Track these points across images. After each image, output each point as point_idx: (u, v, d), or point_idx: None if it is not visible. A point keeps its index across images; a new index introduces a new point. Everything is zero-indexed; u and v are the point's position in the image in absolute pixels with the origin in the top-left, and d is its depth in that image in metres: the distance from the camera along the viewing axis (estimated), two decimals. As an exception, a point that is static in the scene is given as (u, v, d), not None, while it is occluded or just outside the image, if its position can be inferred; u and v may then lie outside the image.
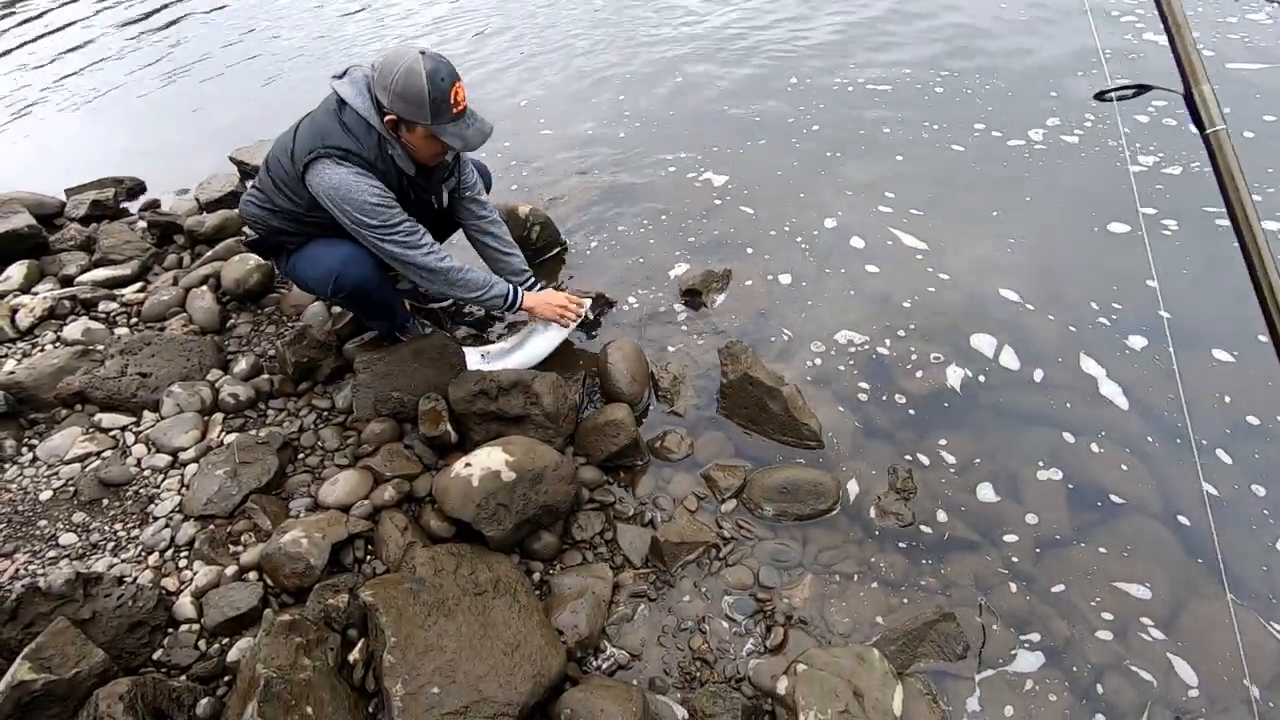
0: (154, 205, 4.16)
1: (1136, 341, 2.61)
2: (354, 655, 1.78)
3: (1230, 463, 2.23)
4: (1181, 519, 2.11)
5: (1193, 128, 1.29)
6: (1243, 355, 2.50)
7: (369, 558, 2.06)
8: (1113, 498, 2.18)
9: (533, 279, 2.75)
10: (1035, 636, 1.90)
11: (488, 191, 2.76)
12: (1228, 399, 2.37)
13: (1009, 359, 2.61)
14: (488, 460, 2.07)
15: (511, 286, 2.53)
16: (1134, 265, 2.88)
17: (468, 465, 2.07)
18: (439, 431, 2.31)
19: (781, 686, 1.73)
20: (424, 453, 2.35)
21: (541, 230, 3.25)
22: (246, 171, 4.30)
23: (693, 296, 2.99)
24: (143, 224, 3.88)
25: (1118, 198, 3.21)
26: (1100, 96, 1.49)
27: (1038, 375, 2.55)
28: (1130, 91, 1.44)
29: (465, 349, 2.63)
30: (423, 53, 2.09)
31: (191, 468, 2.32)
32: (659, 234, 3.41)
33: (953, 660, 1.86)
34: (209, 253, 3.47)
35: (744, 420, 2.48)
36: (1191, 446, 2.22)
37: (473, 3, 6.39)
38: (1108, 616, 1.93)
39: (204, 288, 3.15)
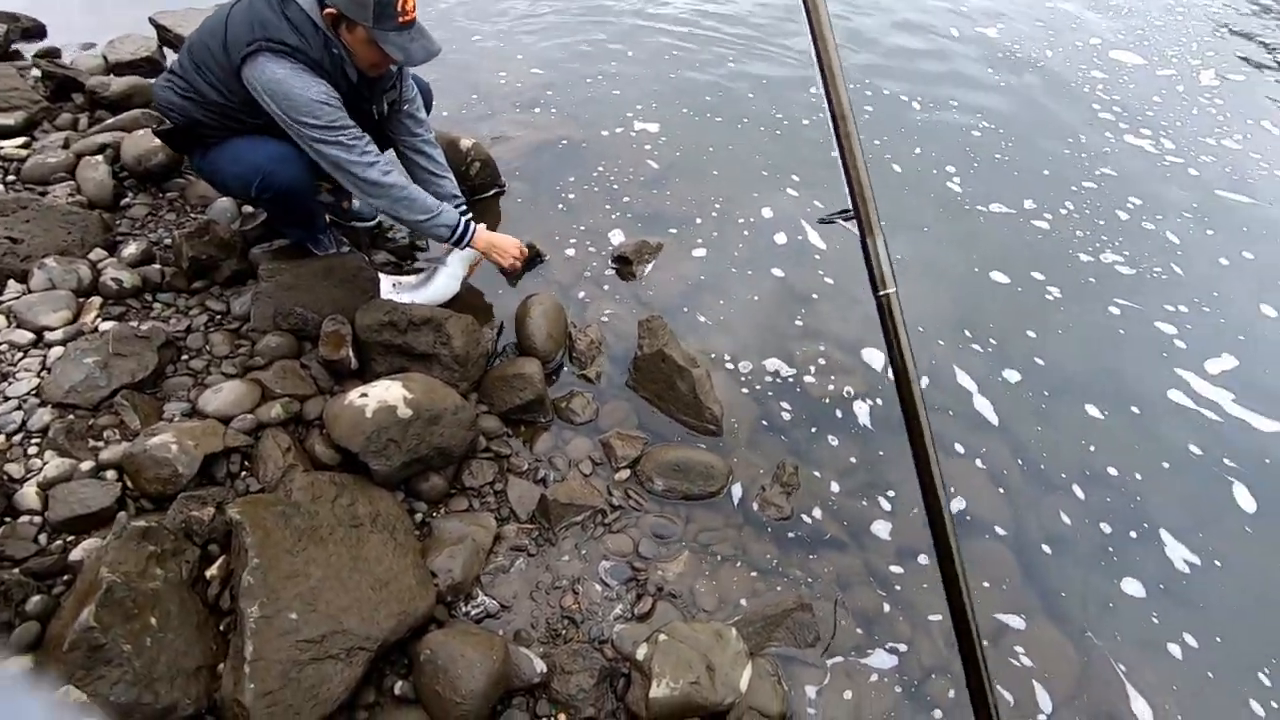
0: (53, 54, 3.75)
1: (1011, 375, 2.80)
2: (211, 571, 1.72)
3: (1083, 499, 2.44)
4: (1029, 546, 2.30)
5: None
6: (1111, 415, 2.70)
7: (244, 474, 1.98)
8: (973, 518, 2.35)
9: (464, 205, 2.64)
10: (881, 635, 2.05)
11: (427, 111, 2.63)
12: (1092, 448, 2.59)
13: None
14: (386, 394, 2.01)
15: (463, 218, 2.39)
16: (1012, 312, 3.06)
17: (364, 395, 2.01)
18: (339, 356, 2.22)
19: (641, 653, 1.80)
20: (320, 375, 2.26)
21: (481, 168, 3.14)
22: (167, 39, 3.94)
23: (624, 264, 2.98)
24: (36, 72, 3.50)
25: (1008, 250, 3.36)
26: (822, 220, 1.56)
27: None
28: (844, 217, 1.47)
29: (381, 275, 2.54)
30: None
31: (57, 350, 2.13)
32: (600, 194, 3.36)
33: (803, 648, 1.98)
34: (111, 120, 3.17)
35: (651, 395, 2.52)
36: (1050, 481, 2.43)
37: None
38: (947, 626, 2.09)
39: (99, 157, 2.88)
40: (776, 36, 4.87)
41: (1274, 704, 2.02)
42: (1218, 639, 2.14)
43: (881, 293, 1.37)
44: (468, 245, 2.42)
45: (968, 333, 2.94)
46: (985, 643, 2.04)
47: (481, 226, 2.47)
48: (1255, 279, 3.37)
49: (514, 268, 2.58)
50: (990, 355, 2.86)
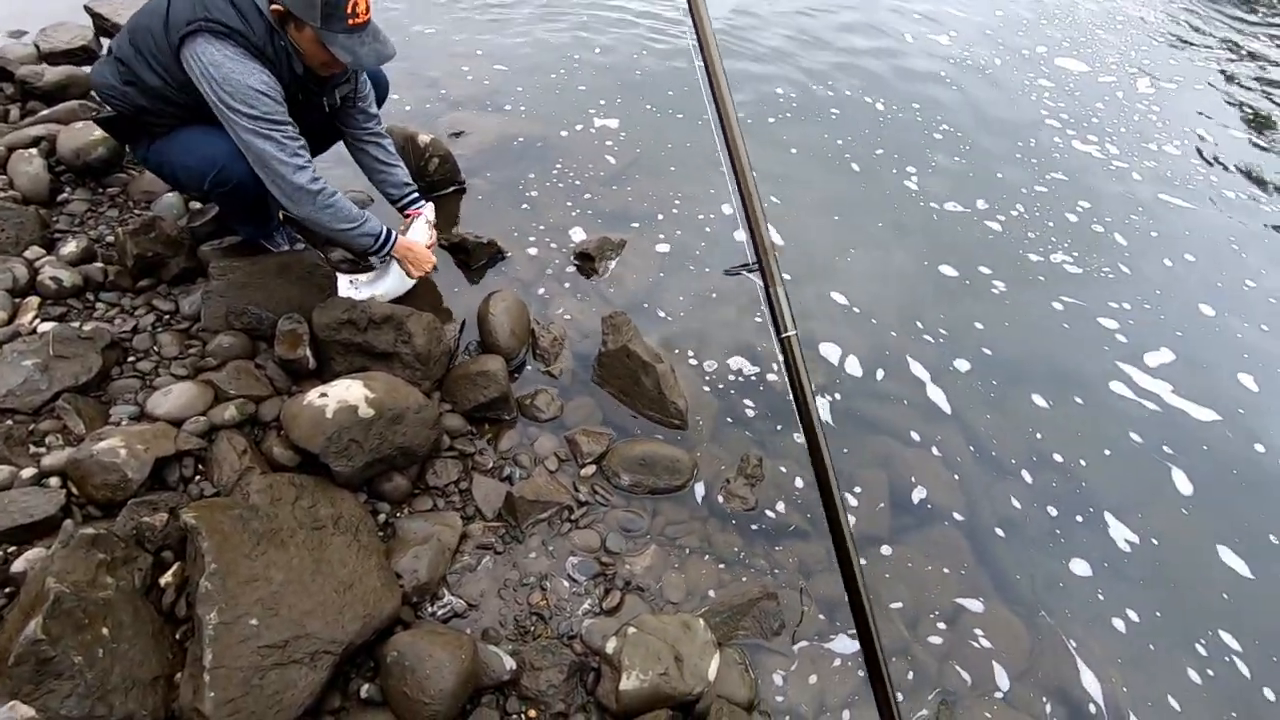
0: (-21, 42, 3.55)
1: (961, 365, 2.89)
2: (166, 579, 1.66)
3: (1032, 483, 2.54)
4: (983, 530, 2.38)
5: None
6: (1057, 405, 2.81)
7: (198, 478, 1.91)
8: (931, 506, 2.42)
9: (416, 193, 2.61)
10: (844, 622, 2.09)
11: (381, 104, 2.58)
12: (1039, 435, 2.69)
13: (853, 366, 2.81)
14: (346, 393, 1.97)
15: (385, 228, 2.32)
16: (961, 304, 3.16)
17: (323, 395, 1.97)
18: (296, 355, 2.17)
19: (610, 646, 1.81)
20: (276, 375, 2.21)
21: (440, 164, 3.10)
22: (104, 27, 3.77)
23: (586, 261, 2.98)
24: (-40, 61, 3.31)
25: (957, 247, 3.45)
26: (727, 272, 1.76)
27: (877, 386, 2.76)
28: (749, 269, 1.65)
29: (337, 273, 2.48)
30: None
31: (-9, 353, 2.03)
32: (561, 191, 3.35)
33: (769, 637, 2.02)
34: (45, 111, 3.03)
35: (616, 390, 2.53)
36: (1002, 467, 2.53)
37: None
38: (906, 610, 2.16)
39: (33, 151, 2.75)
40: (744, 31, 4.92)
41: (1210, 671, 2.14)
42: (1157, 613, 2.25)
43: (784, 334, 1.51)
44: (389, 254, 2.36)
45: (919, 324, 3.02)
46: (942, 624, 2.13)
47: (401, 234, 2.42)
48: (1196, 280, 3.52)
49: (424, 275, 2.53)
50: (941, 345, 2.95)
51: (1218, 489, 2.61)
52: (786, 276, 3.00)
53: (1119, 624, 2.22)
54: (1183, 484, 2.62)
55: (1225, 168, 4.42)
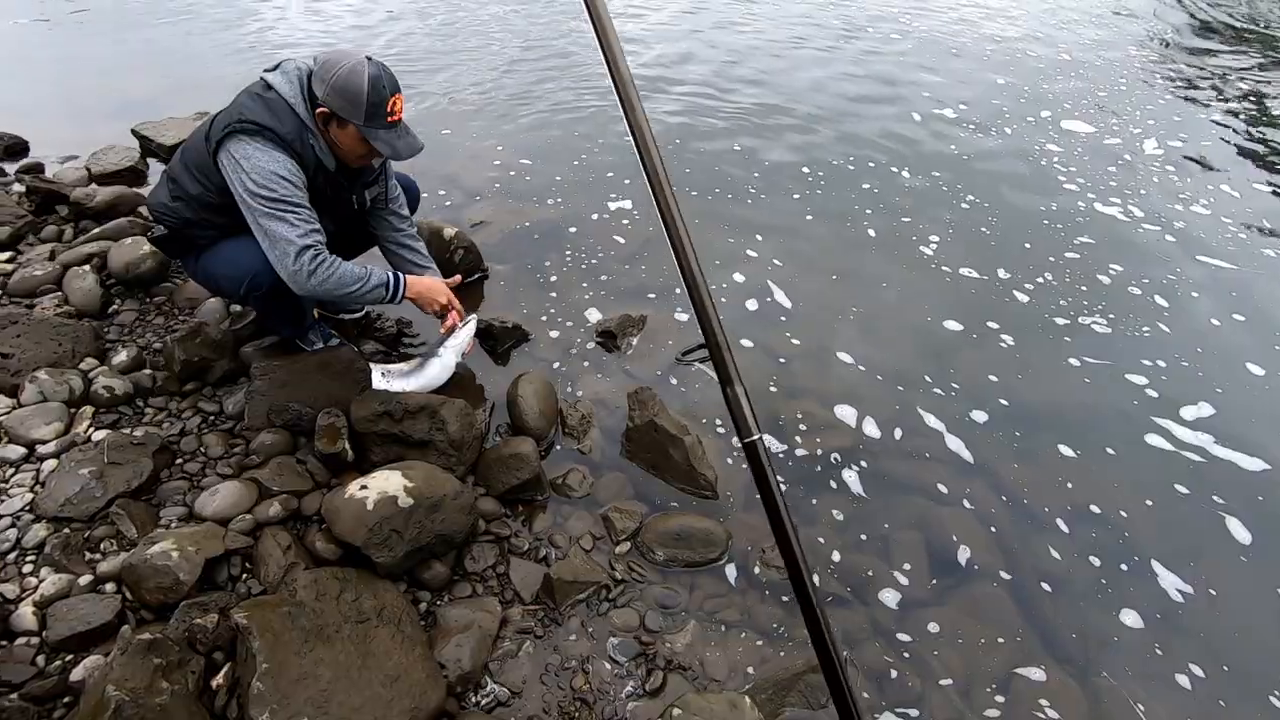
0: (37, 169, 3.84)
1: (978, 416, 2.89)
2: (218, 680, 1.69)
3: (1070, 534, 2.50)
4: (1027, 587, 2.33)
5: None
6: (1086, 456, 2.78)
7: (245, 576, 1.96)
8: (979, 566, 2.38)
9: None
10: (892, 695, 2.04)
11: (414, 210, 2.74)
12: (1070, 485, 2.66)
13: (870, 428, 2.81)
14: (385, 484, 2.03)
15: (392, 274, 2.37)
16: (968, 357, 3.17)
17: (364, 487, 2.02)
18: (336, 449, 2.24)
19: (657, 731, 1.78)
20: (317, 469, 2.27)
21: (465, 254, 3.25)
22: (149, 148, 4.06)
23: (609, 339, 3.06)
24: (20, 187, 3.58)
25: (960, 302, 3.49)
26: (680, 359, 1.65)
27: (898, 444, 2.76)
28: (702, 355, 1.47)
29: (371, 365, 2.58)
30: (369, 59, 2.13)
31: (50, 463, 2.13)
32: (582, 273, 3.48)
33: (815, 711, 1.97)
34: (96, 230, 3.24)
35: (646, 465, 2.56)
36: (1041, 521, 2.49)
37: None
38: (953, 678, 2.10)
39: (86, 267, 2.93)
40: (760, 115, 5.14)
41: (1289, 725, 2.04)
42: (1225, 667, 2.16)
43: (746, 440, 1.37)
44: (403, 297, 2.42)
45: (928, 378, 3.04)
46: (997, 694, 2.06)
47: (414, 277, 2.49)
48: (1242, 339, 3.41)
49: (446, 309, 2.58)
50: (954, 398, 2.95)
51: (1278, 537, 2.53)
52: (786, 352, 3.14)
53: (1183, 680, 2.13)
54: (1239, 532, 2.54)
55: (1260, 224, 4.34)
